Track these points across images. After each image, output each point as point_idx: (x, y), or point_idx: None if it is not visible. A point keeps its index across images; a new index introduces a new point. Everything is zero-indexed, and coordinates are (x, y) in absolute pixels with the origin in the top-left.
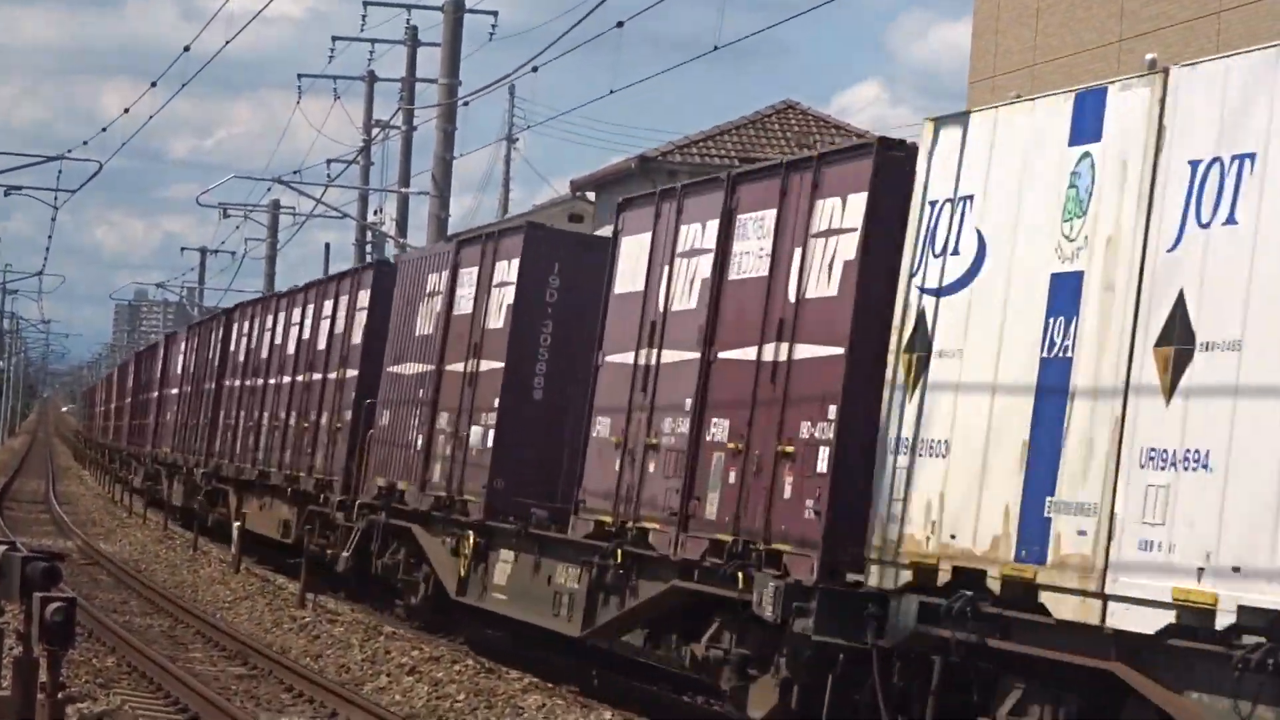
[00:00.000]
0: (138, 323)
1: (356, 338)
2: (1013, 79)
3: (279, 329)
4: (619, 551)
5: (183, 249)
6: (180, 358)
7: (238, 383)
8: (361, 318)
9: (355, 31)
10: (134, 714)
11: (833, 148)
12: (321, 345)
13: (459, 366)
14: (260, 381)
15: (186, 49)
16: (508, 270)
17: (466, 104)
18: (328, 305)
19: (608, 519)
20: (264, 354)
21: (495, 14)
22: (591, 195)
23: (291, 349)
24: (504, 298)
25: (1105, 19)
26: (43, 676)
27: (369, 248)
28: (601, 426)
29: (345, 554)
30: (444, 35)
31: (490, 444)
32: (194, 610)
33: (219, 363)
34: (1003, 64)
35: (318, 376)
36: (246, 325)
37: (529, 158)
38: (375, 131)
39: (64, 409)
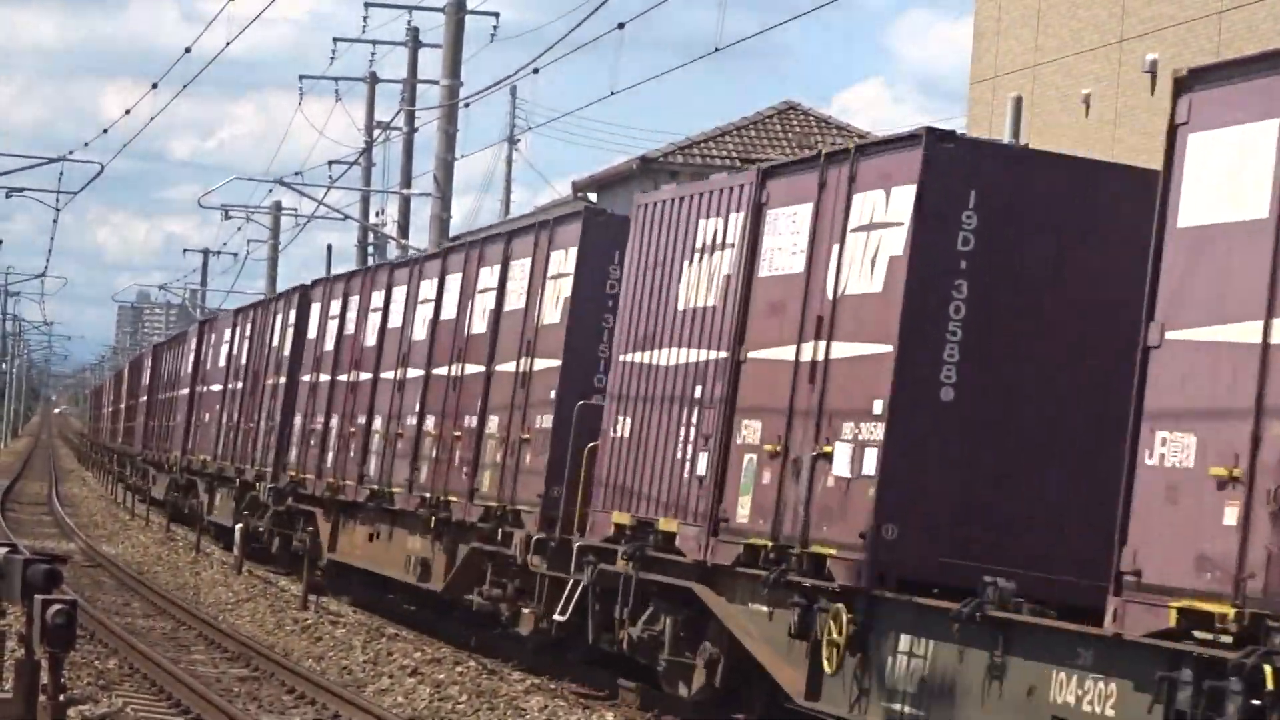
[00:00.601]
0: (140, 325)
1: (551, 315)
2: (1014, 79)
3: (394, 309)
4: (1271, 667)
5: (185, 250)
6: (224, 348)
7: (325, 378)
8: (560, 287)
9: (356, 33)
10: (135, 716)
11: None
12: (479, 328)
13: (776, 353)
14: (367, 376)
15: (188, 50)
16: (884, 206)
17: (468, 105)
18: (485, 274)
19: (1217, 608)
20: (369, 341)
21: (496, 15)
22: (593, 196)
23: (420, 333)
24: (876, 248)
25: (1106, 19)
26: (44, 679)
27: (371, 249)
28: (1170, 448)
29: (559, 617)
30: (445, 36)
31: (874, 470)
32: (196, 612)
33: (292, 353)
34: (1004, 64)
35: (476, 369)
36: (336, 306)
37: (530, 159)
38: (377, 133)
39: (56, 410)
